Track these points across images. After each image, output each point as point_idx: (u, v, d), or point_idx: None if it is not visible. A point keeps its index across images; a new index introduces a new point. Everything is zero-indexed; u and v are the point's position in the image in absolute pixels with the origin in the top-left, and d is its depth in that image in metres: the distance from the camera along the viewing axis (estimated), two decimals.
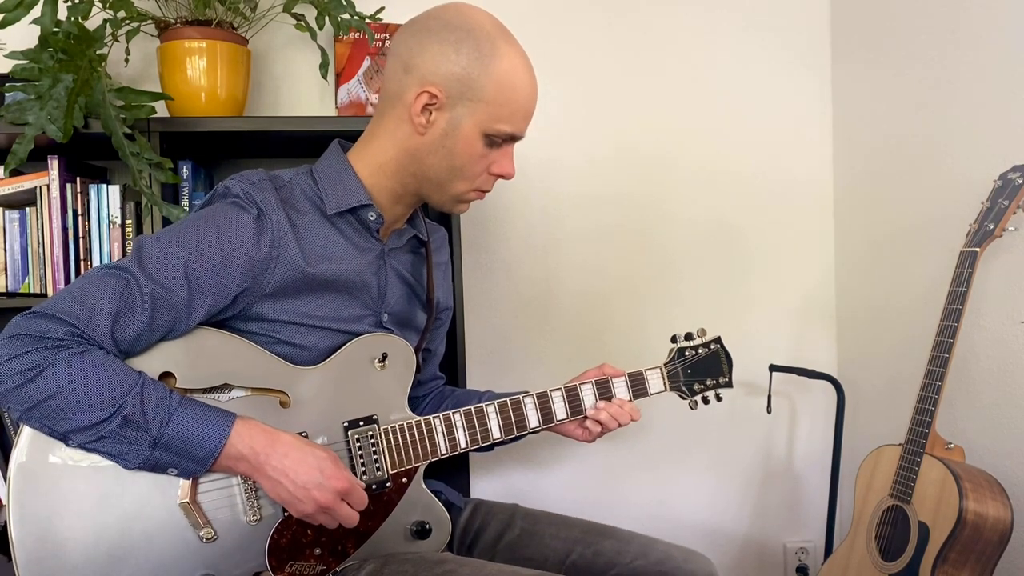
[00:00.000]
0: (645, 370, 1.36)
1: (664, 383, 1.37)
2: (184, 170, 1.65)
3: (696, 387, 1.40)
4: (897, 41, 1.88)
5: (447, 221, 1.66)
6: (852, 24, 2.04)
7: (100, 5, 1.52)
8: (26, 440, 1.02)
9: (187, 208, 1.63)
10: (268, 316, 1.14)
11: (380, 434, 1.19)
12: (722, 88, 2.06)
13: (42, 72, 1.45)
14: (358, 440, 1.17)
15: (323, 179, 1.20)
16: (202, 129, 1.58)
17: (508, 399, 1.27)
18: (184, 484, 1.06)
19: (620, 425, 1.32)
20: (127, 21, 1.57)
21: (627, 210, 2.04)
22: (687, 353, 1.39)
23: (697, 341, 1.41)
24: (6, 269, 1.60)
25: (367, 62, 1.80)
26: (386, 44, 1.81)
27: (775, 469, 2.14)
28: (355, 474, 1.16)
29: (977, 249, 1.47)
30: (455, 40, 1.13)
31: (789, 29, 2.08)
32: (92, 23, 1.49)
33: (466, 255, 1.93)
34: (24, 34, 1.51)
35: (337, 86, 1.80)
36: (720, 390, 1.42)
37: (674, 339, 1.40)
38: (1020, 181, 1.46)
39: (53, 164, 1.57)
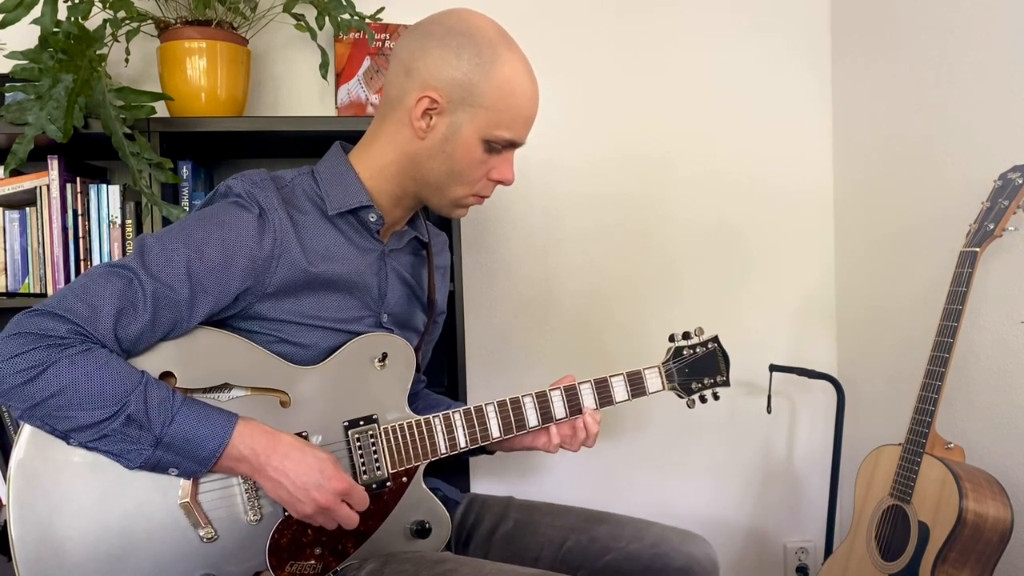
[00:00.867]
0: (643, 369, 1.36)
1: (662, 382, 1.37)
2: (184, 170, 1.65)
3: (694, 386, 1.40)
4: (897, 41, 1.88)
5: (447, 220, 1.66)
6: (852, 24, 2.04)
7: (100, 5, 1.52)
8: (26, 439, 1.02)
9: (187, 208, 1.63)
10: (269, 315, 1.14)
11: (380, 433, 1.19)
12: (722, 88, 2.06)
13: (42, 72, 1.45)
14: (358, 439, 1.17)
15: (324, 180, 1.21)
16: (202, 129, 1.58)
17: (508, 398, 1.27)
18: (185, 484, 1.06)
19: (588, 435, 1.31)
20: (127, 21, 1.57)
21: (627, 210, 2.04)
22: (685, 352, 1.39)
23: (695, 340, 1.41)
24: (6, 269, 1.60)
25: (367, 62, 1.81)
26: (386, 44, 1.81)
27: (775, 469, 2.14)
28: (355, 474, 1.16)
29: (977, 249, 1.47)
30: (457, 45, 1.13)
31: (789, 29, 2.09)
32: (92, 23, 1.49)
33: (466, 255, 1.93)
34: (24, 34, 1.51)
35: (337, 86, 1.81)
36: (718, 389, 1.42)
37: (672, 338, 1.40)
38: (1020, 181, 1.46)
39: (53, 164, 1.57)
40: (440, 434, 1.22)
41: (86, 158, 1.72)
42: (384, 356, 1.21)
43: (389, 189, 1.22)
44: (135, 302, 1.03)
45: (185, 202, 1.65)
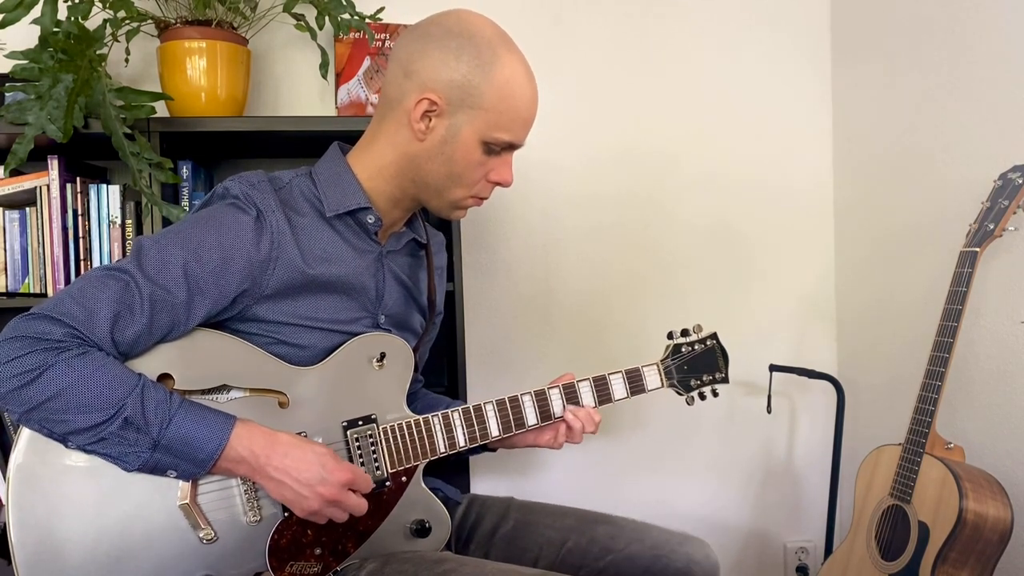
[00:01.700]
0: (642, 367, 1.36)
1: (661, 380, 1.37)
2: (184, 170, 1.65)
3: (693, 383, 1.40)
4: (897, 41, 1.88)
5: (447, 220, 1.66)
6: (852, 25, 2.03)
7: (100, 5, 1.52)
8: (25, 441, 1.02)
9: (187, 208, 1.63)
10: (266, 317, 1.14)
11: (379, 433, 1.19)
12: (722, 88, 2.06)
13: (42, 72, 1.45)
14: (357, 439, 1.17)
15: (322, 181, 1.20)
16: (202, 129, 1.58)
17: (507, 397, 1.27)
18: (184, 485, 1.06)
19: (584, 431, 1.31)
20: (127, 21, 1.57)
21: (627, 210, 2.04)
22: (683, 349, 1.39)
23: (693, 337, 1.41)
24: (6, 269, 1.60)
25: (367, 62, 1.81)
26: (386, 44, 1.81)
27: (775, 469, 2.14)
28: None
29: (977, 249, 1.47)
30: (456, 47, 1.13)
31: (789, 30, 2.08)
32: (92, 23, 1.49)
33: (466, 255, 1.93)
34: (24, 34, 1.51)
35: (337, 86, 1.81)
36: (717, 386, 1.42)
37: (670, 336, 1.40)
38: (1020, 181, 1.46)
39: (53, 164, 1.57)
40: (439, 433, 1.23)
41: (86, 158, 1.72)
42: (382, 356, 1.20)
43: (388, 190, 1.22)
44: (132, 305, 1.03)
45: (185, 202, 1.65)
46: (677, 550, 1.25)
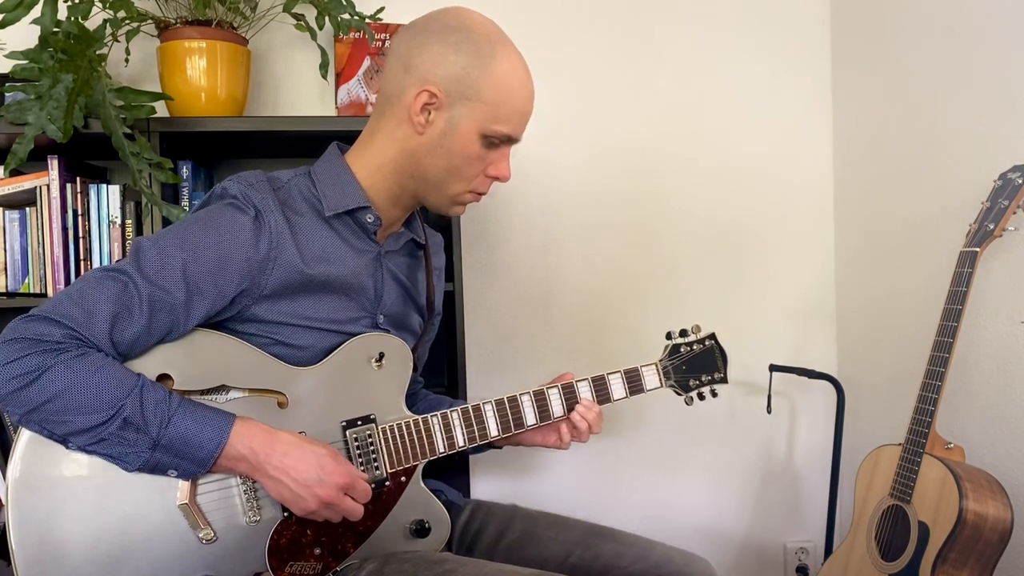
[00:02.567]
0: (641, 367, 1.36)
1: (660, 379, 1.37)
2: (184, 170, 1.65)
3: (692, 383, 1.40)
4: (897, 41, 1.87)
5: (446, 219, 1.66)
6: (852, 24, 2.03)
7: (100, 5, 1.52)
8: (25, 442, 1.02)
9: (187, 208, 1.63)
10: (265, 317, 1.14)
11: (378, 433, 1.19)
12: (722, 87, 2.06)
13: (42, 72, 1.45)
14: (356, 440, 1.17)
15: (321, 181, 1.21)
16: (202, 129, 1.58)
17: (506, 397, 1.27)
18: (183, 485, 1.06)
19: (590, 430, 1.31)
20: (127, 21, 1.57)
21: (627, 209, 2.04)
22: (682, 349, 1.39)
23: (692, 337, 1.41)
24: (6, 269, 1.60)
25: (367, 62, 1.81)
26: (386, 44, 1.81)
27: (775, 469, 2.14)
28: None
29: (977, 249, 1.47)
30: (455, 41, 1.14)
31: (789, 29, 2.08)
32: (92, 23, 1.49)
33: (466, 255, 1.93)
34: (24, 34, 1.51)
35: (337, 86, 1.81)
36: (716, 386, 1.42)
37: (669, 336, 1.40)
38: (1020, 181, 1.46)
39: (53, 164, 1.57)
40: (438, 434, 1.23)
41: (86, 158, 1.72)
42: (381, 356, 1.21)
43: (387, 188, 1.22)
44: (131, 306, 1.03)
45: (185, 202, 1.65)
46: (681, 570, 1.24)
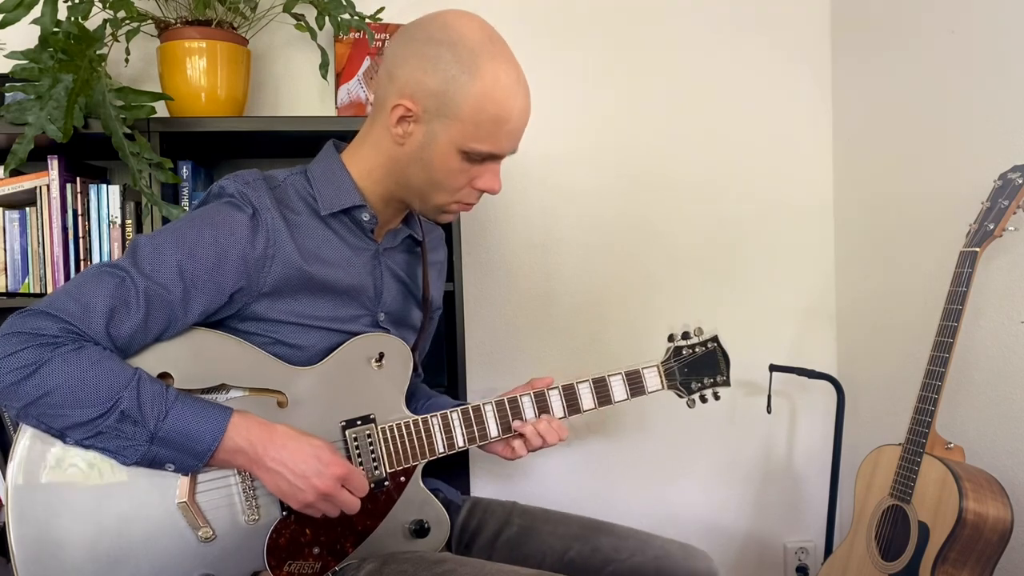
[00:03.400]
0: (642, 368, 1.36)
1: (661, 381, 1.37)
2: (184, 170, 1.65)
3: (694, 386, 1.40)
4: (897, 41, 1.87)
5: None
6: (852, 24, 2.03)
7: (100, 5, 1.52)
8: (25, 440, 1.02)
9: (187, 208, 1.64)
10: (265, 316, 1.14)
11: (378, 433, 1.19)
12: (722, 87, 2.06)
13: (42, 72, 1.45)
14: (356, 439, 1.17)
15: (317, 179, 1.20)
16: (202, 129, 1.58)
17: (506, 397, 1.27)
18: (182, 484, 1.06)
19: (545, 444, 1.28)
20: (127, 21, 1.57)
21: (627, 209, 2.04)
22: (684, 352, 1.39)
23: (694, 340, 1.40)
24: (6, 269, 1.60)
25: (367, 62, 1.81)
26: (386, 44, 1.81)
27: (775, 469, 2.14)
28: None
29: (977, 249, 1.47)
30: (434, 56, 1.10)
31: (789, 29, 2.08)
32: (92, 23, 1.49)
33: (466, 253, 1.93)
34: (24, 34, 1.51)
35: (337, 86, 1.81)
36: (718, 389, 1.42)
37: (671, 338, 1.40)
38: (1020, 181, 1.46)
39: (53, 164, 1.57)
40: (438, 434, 1.23)
41: (86, 158, 1.72)
42: (381, 356, 1.21)
43: (378, 191, 1.21)
44: (127, 300, 1.03)
45: (185, 202, 1.66)
46: (680, 563, 1.25)
